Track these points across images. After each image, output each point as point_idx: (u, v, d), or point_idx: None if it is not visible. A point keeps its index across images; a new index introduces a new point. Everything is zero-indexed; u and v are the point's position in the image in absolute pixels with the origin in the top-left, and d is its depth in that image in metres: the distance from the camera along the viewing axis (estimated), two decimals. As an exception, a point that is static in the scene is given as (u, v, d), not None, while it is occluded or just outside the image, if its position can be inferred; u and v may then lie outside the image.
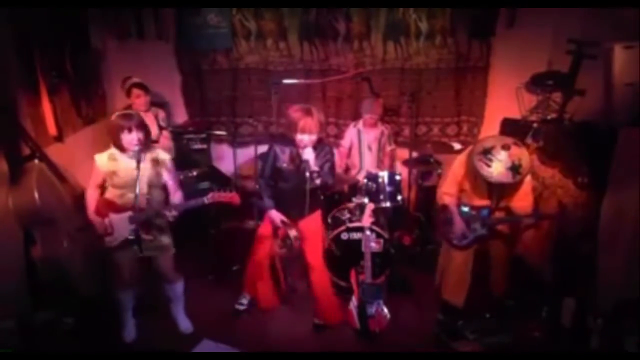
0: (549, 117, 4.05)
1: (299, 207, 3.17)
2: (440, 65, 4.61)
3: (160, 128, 4.05)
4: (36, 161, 3.33)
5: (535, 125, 3.97)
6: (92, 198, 3.00)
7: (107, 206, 2.98)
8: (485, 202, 3.24)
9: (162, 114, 4.21)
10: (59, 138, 3.81)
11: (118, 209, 2.96)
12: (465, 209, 3.29)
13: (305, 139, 3.02)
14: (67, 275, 3.41)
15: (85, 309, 3.41)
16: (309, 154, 3.03)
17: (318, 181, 3.08)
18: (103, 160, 2.96)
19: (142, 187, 2.94)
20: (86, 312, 3.40)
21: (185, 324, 3.43)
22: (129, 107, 4.15)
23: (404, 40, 4.54)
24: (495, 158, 2.93)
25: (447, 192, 3.34)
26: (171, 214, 2.98)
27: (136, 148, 2.87)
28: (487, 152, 2.97)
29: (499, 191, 3.18)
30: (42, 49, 3.68)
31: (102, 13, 4.52)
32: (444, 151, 4.44)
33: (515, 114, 4.38)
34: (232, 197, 3.00)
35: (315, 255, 3.40)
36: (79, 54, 4.21)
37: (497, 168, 2.93)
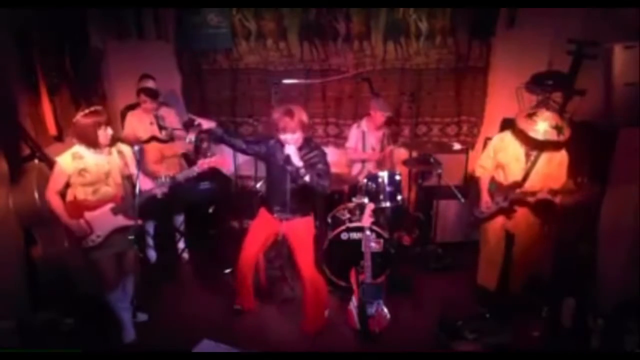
0: (549, 117, 4.04)
1: (282, 204, 3.21)
2: (440, 66, 4.61)
3: (160, 127, 4.04)
4: (36, 161, 3.34)
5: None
6: (58, 204, 2.91)
7: (79, 207, 2.92)
8: (520, 179, 3.30)
9: (163, 115, 4.17)
10: (59, 138, 3.81)
11: (93, 206, 2.94)
12: (493, 184, 3.42)
13: (288, 138, 3.05)
14: (67, 275, 3.42)
15: (85, 309, 3.41)
16: (289, 149, 3.05)
17: (307, 178, 3.04)
18: (67, 161, 2.88)
19: (117, 178, 2.99)
20: (86, 312, 3.40)
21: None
22: (135, 105, 4.13)
23: (404, 40, 4.54)
24: (540, 118, 3.13)
25: (482, 165, 3.49)
26: (161, 191, 3.01)
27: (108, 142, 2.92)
28: (531, 115, 3.18)
29: (529, 169, 3.24)
30: (42, 49, 3.69)
31: (102, 13, 4.51)
32: (444, 151, 4.44)
33: (515, 114, 4.38)
34: (221, 161, 3.15)
35: (306, 264, 3.32)
36: (79, 54, 4.21)
37: (543, 126, 3.11)
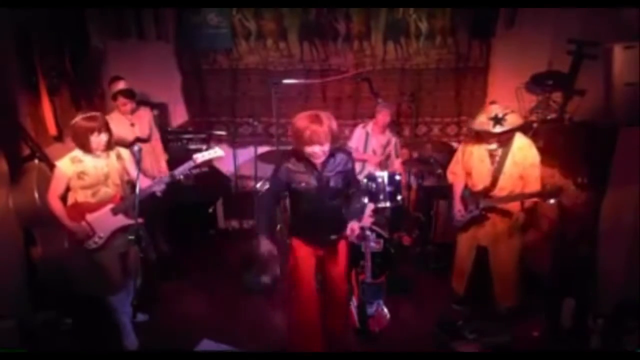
0: (549, 117, 4.05)
1: (330, 227, 2.80)
2: (440, 66, 4.61)
3: (161, 129, 4.06)
4: (36, 161, 3.34)
5: (535, 125, 3.97)
6: (60, 208, 2.90)
7: (80, 210, 2.93)
8: (489, 184, 3.25)
9: (142, 116, 4.14)
10: (59, 138, 3.81)
11: (93, 207, 2.94)
12: (467, 191, 3.38)
13: (317, 150, 2.57)
14: (67, 275, 3.42)
15: (85, 309, 3.41)
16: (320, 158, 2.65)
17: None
18: (66, 164, 2.88)
19: (116, 179, 3.00)
20: (86, 312, 3.40)
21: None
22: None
23: (404, 40, 4.55)
24: (481, 113, 3.13)
25: (452, 171, 3.47)
26: (160, 188, 3.01)
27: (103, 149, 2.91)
28: (481, 111, 3.17)
29: (497, 172, 3.17)
30: (42, 49, 3.69)
31: (102, 13, 4.51)
32: (444, 151, 4.44)
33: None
34: (215, 152, 3.12)
35: (338, 275, 3.00)
36: (79, 54, 4.21)
37: (480, 118, 3.09)
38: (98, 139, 2.87)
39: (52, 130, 3.76)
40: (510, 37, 4.44)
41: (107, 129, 2.92)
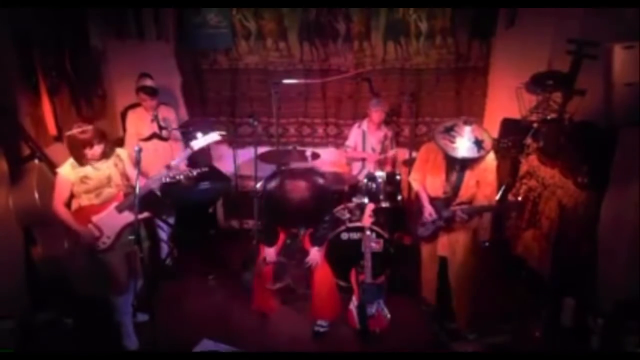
0: (549, 117, 4.04)
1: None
2: (440, 66, 4.60)
3: (160, 128, 4.06)
4: (36, 161, 3.34)
5: (535, 125, 3.97)
6: (66, 214, 2.93)
7: (85, 213, 2.95)
8: (442, 194, 3.18)
9: (162, 114, 4.18)
10: (59, 138, 3.81)
11: (98, 208, 2.97)
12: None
13: None
14: (67, 275, 3.42)
15: (85, 309, 3.41)
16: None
17: None
18: (67, 170, 2.91)
19: (118, 179, 3.03)
20: (86, 312, 3.40)
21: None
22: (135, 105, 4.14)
23: (404, 40, 4.54)
24: (458, 134, 2.92)
25: (414, 178, 3.32)
26: (158, 184, 3.03)
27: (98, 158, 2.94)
28: (449, 130, 2.96)
29: (458, 181, 3.12)
30: (42, 49, 3.69)
31: (102, 13, 4.52)
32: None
33: (515, 114, 4.37)
34: (212, 137, 3.19)
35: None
36: (79, 54, 4.21)
37: (463, 143, 2.90)
38: (92, 151, 2.90)
39: (52, 130, 3.76)
40: (510, 37, 4.42)
41: (101, 140, 2.92)
